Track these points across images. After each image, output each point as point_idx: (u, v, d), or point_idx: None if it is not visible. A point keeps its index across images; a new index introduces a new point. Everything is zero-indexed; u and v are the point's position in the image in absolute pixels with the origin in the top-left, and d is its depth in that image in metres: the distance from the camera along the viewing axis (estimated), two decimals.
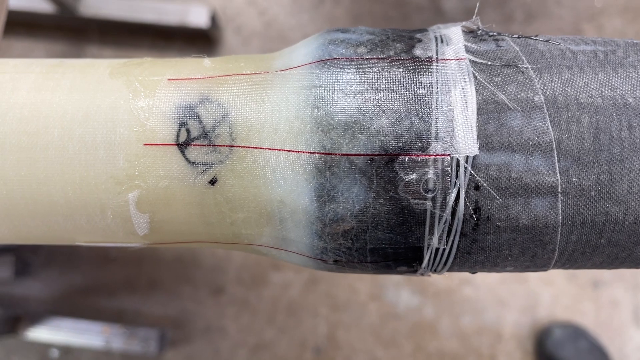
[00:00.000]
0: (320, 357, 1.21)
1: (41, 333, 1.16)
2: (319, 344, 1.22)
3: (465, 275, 1.22)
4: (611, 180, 0.27)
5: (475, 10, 0.33)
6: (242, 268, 1.24)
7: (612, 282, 1.20)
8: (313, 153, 0.28)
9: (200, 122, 0.29)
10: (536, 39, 0.30)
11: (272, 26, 1.30)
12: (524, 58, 0.28)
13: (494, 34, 0.30)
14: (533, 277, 1.21)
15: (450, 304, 1.22)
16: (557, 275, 1.21)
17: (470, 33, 0.31)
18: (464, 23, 0.31)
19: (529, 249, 0.29)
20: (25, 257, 1.23)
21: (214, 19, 1.22)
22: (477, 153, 0.26)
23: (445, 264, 0.30)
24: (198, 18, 1.19)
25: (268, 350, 1.22)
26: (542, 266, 0.30)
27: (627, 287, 1.20)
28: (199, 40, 1.28)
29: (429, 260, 0.29)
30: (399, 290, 1.22)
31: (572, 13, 1.28)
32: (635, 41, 0.30)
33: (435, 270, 0.31)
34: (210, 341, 1.23)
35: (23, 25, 1.29)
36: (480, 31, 0.31)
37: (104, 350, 1.19)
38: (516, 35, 0.30)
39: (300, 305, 1.23)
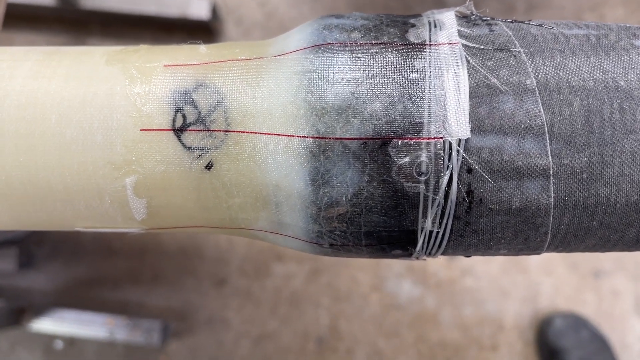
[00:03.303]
0: (322, 347, 1.22)
1: (45, 324, 1.17)
2: (321, 334, 1.22)
3: (467, 265, 1.22)
4: (602, 162, 0.27)
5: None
6: (244, 259, 1.25)
7: (613, 271, 1.20)
8: (307, 137, 0.28)
9: (195, 107, 0.29)
10: (529, 24, 0.30)
11: (273, 17, 1.30)
12: (516, 42, 0.28)
13: (487, 18, 0.30)
14: (534, 267, 1.21)
15: (452, 295, 1.22)
16: (558, 265, 1.21)
17: (463, 18, 0.31)
18: (457, 8, 0.31)
19: (522, 232, 0.29)
20: (30, 250, 1.24)
21: (214, 11, 1.22)
22: (469, 136, 0.27)
23: (439, 247, 0.30)
24: (199, 10, 1.19)
25: (271, 341, 1.23)
26: (535, 249, 0.31)
27: (628, 276, 1.20)
28: (200, 32, 1.28)
29: (423, 243, 0.30)
30: (400, 281, 1.23)
31: (573, 3, 1.28)
32: (628, 25, 0.30)
33: (429, 254, 0.31)
34: (214, 332, 1.24)
35: (24, 18, 1.30)
36: (473, 16, 0.31)
37: (107, 342, 1.20)
38: (509, 20, 0.30)
39: (302, 296, 1.23)
